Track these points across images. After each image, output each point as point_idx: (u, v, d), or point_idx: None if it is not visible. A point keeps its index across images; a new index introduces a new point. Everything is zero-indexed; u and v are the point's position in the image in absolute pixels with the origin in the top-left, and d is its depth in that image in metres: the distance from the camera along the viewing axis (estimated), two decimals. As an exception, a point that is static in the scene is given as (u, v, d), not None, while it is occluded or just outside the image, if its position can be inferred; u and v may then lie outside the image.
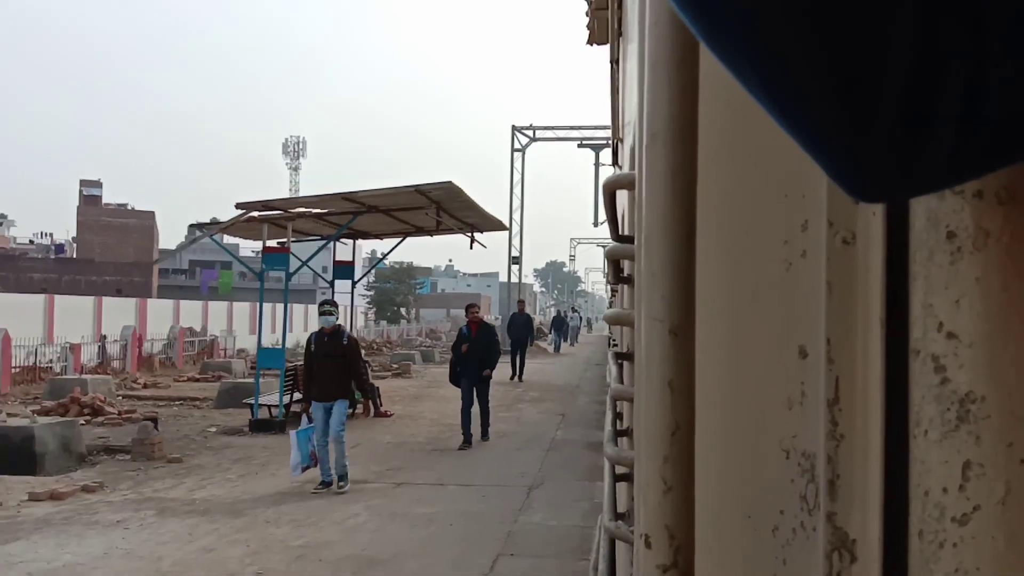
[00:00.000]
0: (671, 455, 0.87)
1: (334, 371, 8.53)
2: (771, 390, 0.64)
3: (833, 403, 0.53)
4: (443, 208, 14.49)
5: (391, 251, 21.15)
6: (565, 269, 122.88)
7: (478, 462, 9.92)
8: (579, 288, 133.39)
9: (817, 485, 0.56)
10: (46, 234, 68.37)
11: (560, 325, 35.02)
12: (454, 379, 11.35)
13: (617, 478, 1.59)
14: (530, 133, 34.55)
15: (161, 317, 30.45)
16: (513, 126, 34.45)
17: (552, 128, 34.35)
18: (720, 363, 0.78)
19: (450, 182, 13.12)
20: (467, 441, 10.78)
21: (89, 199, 56.13)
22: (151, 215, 57.76)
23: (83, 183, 57.40)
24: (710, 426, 0.81)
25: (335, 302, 9.65)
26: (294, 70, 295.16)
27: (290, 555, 6.33)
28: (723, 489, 0.77)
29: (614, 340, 3.92)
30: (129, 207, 58.90)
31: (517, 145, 34.30)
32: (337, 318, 9.02)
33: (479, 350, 11.09)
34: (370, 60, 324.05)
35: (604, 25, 5.46)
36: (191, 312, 33.64)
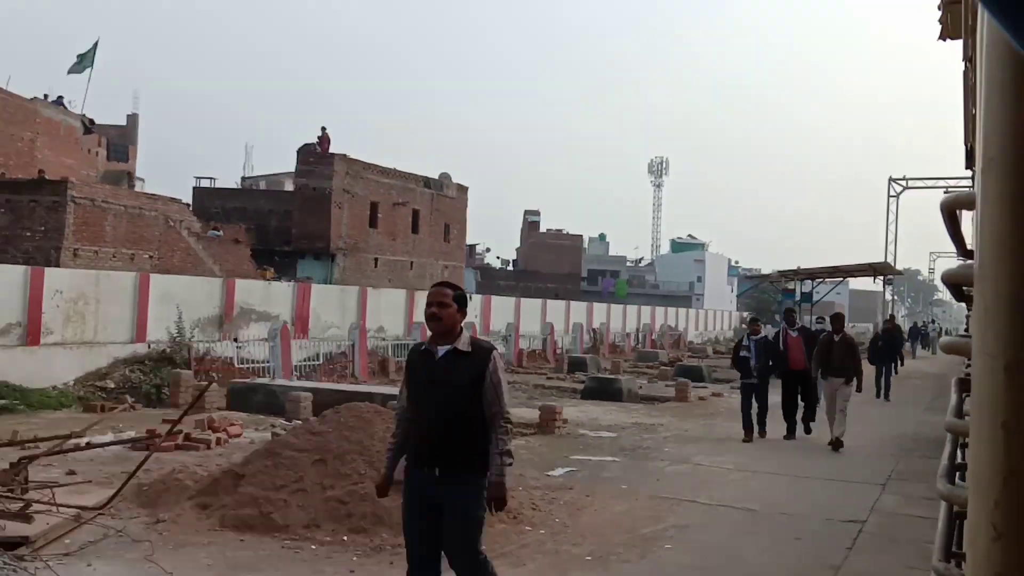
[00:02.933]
0: (1002, 500, 0.81)
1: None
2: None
3: None
4: (876, 270, 30.29)
5: (831, 290, 36.71)
6: (919, 278, 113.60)
7: (902, 393, 19.88)
8: (935, 297, 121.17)
9: None
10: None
11: (915, 335, 42.09)
12: (872, 360, 19.28)
13: (956, 515, 1.46)
14: (903, 183, 47.95)
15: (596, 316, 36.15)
16: (890, 177, 48.23)
17: (922, 179, 47.43)
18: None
19: (886, 262, 32.71)
20: (883, 393, 18.90)
21: (532, 225, 72.06)
22: (579, 238, 72.28)
23: (527, 212, 73.50)
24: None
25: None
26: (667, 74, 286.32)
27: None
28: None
29: (969, 362, 3.53)
30: (564, 231, 72.39)
31: (892, 192, 47.79)
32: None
33: (888, 345, 20.52)
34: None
35: (958, 19, 4.93)
36: (599, 311, 38.14)
